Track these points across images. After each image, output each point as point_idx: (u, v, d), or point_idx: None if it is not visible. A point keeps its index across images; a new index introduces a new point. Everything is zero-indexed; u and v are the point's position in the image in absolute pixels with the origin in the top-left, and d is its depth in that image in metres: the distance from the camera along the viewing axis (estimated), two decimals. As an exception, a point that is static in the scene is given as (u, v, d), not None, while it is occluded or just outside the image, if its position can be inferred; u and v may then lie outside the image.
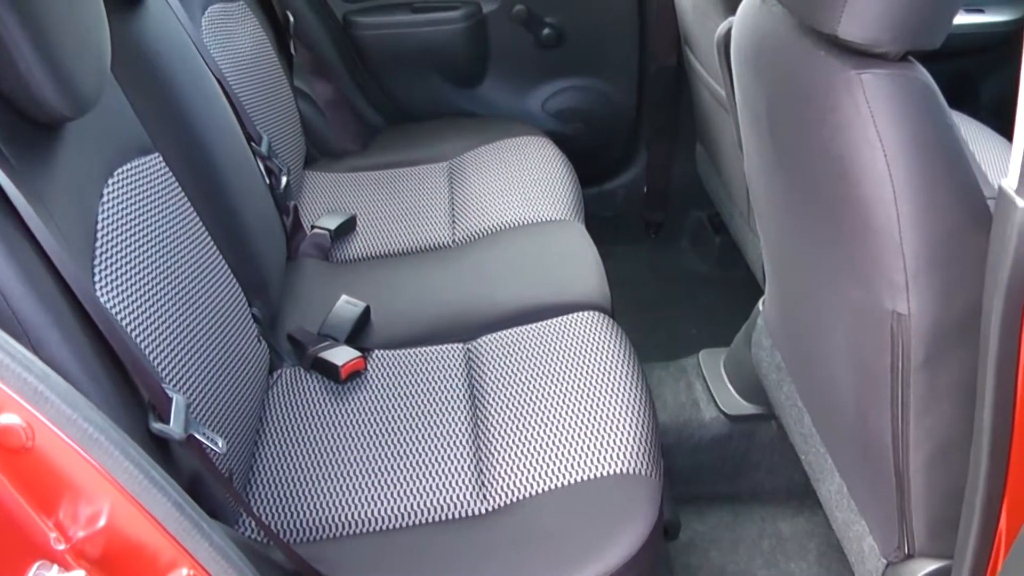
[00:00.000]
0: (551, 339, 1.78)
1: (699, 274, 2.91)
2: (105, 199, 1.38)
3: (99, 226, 1.34)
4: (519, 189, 2.31)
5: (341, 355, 1.78)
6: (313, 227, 2.23)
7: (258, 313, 1.81)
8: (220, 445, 1.28)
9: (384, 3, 2.75)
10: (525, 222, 2.19)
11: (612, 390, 1.64)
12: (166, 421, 1.23)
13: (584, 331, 1.79)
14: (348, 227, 2.25)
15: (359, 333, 1.89)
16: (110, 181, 1.41)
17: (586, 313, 1.84)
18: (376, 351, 1.84)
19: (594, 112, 2.86)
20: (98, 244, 1.31)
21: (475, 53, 2.79)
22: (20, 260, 1.11)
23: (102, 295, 1.27)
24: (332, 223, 2.23)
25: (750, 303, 2.03)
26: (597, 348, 1.74)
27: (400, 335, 1.89)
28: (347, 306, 1.92)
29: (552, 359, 1.73)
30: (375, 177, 2.49)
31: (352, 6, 2.74)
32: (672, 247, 3.02)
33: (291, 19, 2.56)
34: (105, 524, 1.01)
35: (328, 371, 1.77)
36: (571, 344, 1.76)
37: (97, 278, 1.28)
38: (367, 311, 1.92)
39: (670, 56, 2.70)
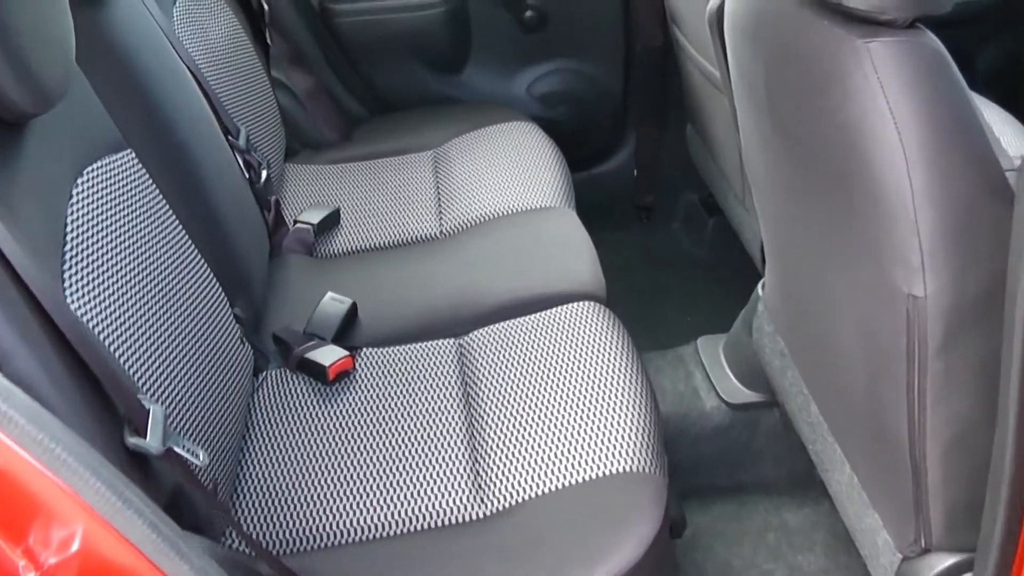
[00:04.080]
0: (546, 332, 1.73)
1: (693, 258, 2.86)
2: (74, 200, 1.31)
3: (68, 228, 1.27)
4: (507, 176, 2.25)
5: (328, 355, 1.72)
6: (296, 222, 2.16)
7: (241, 313, 1.74)
8: (201, 458, 1.22)
9: (361, -12, 2.70)
10: (515, 210, 2.13)
11: (612, 384, 1.58)
12: (143, 434, 1.17)
13: (580, 322, 1.73)
14: (332, 221, 2.19)
15: (346, 331, 1.83)
16: (79, 181, 1.34)
17: (581, 303, 1.79)
18: (364, 349, 1.78)
19: (580, 95, 2.81)
20: (67, 248, 1.25)
21: (456, 38, 2.74)
22: None
23: (73, 302, 1.20)
24: (315, 217, 2.16)
25: (747, 286, 1.98)
26: (594, 340, 1.68)
27: (389, 332, 1.83)
28: (333, 303, 1.86)
29: (548, 353, 1.68)
30: (358, 168, 2.43)
31: (329, -8, 2.68)
32: (664, 231, 2.97)
33: (266, 8, 2.50)
34: (79, 548, 0.95)
35: (315, 372, 1.71)
36: (567, 336, 1.70)
37: (67, 284, 1.21)
38: (354, 308, 1.86)
39: (656, 36, 2.66)
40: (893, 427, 1.25)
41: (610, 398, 1.56)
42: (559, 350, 1.68)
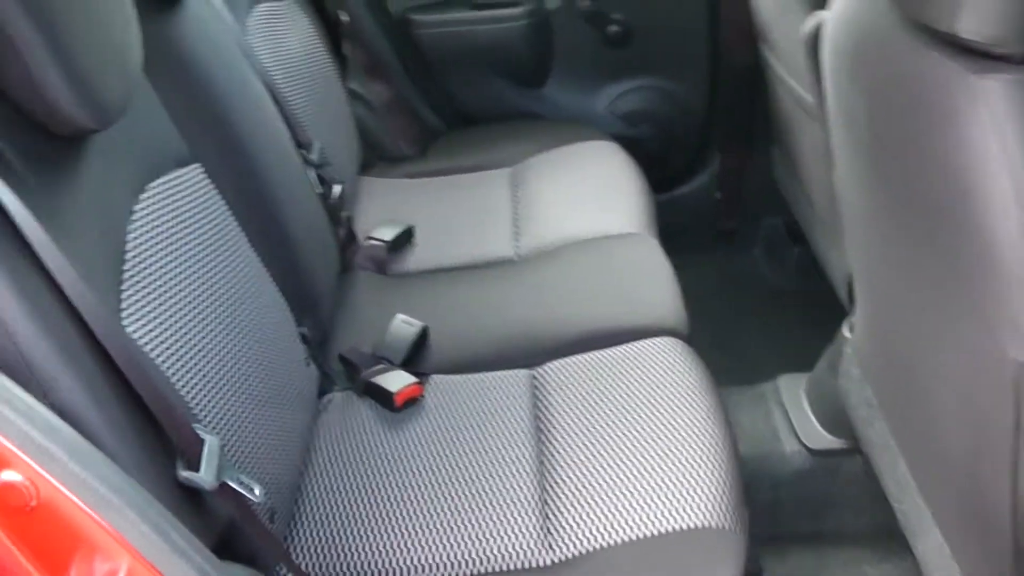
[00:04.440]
0: (625, 368, 1.65)
1: (775, 287, 2.77)
2: (136, 217, 1.26)
3: (128, 247, 1.21)
4: (588, 199, 2.19)
5: (396, 381, 1.66)
6: (368, 238, 2.12)
7: (307, 333, 1.69)
8: (257, 493, 1.16)
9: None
10: (595, 235, 2.06)
11: (691, 430, 1.50)
12: (196, 467, 1.12)
13: (660, 360, 1.65)
14: (405, 238, 2.15)
15: (416, 355, 1.78)
16: (142, 197, 1.29)
17: (661, 339, 1.71)
18: (434, 376, 1.72)
19: (664, 114, 2.74)
20: (126, 268, 1.19)
21: (538, 52, 2.69)
22: (29, 295, 1.00)
23: (130, 325, 1.15)
24: (388, 234, 2.12)
25: (831, 321, 1.88)
26: (675, 381, 1.60)
27: (460, 358, 1.77)
28: (403, 326, 1.80)
29: (626, 392, 1.60)
30: (434, 184, 2.39)
31: (409, 3, 2.64)
32: (745, 257, 2.88)
33: (344, 18, 2.46)
34: (123, 586, 0.95)
35: (382, 398, 1.66)
36: (646, 375, 1.62)
37: (125, 306, 1.16)
38: (424, 332, 1.80)
39: (744, 54, 2.57)
40: (993, 505, 1.14)
41: (690, 447, 1.47)
42: (637, 389, 1.60)
